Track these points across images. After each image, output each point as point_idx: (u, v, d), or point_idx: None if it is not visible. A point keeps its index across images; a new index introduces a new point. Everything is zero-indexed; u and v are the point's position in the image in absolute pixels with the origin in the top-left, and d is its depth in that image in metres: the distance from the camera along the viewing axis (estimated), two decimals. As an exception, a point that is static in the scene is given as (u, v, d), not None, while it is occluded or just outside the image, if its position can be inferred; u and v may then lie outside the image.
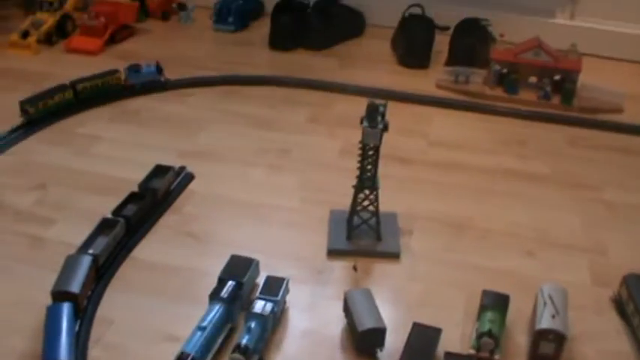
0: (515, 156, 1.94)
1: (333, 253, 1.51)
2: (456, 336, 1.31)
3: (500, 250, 1.56)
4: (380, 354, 1.25)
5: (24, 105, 1.95)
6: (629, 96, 2.24)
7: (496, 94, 2.25)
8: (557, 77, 2.22)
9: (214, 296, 1.28)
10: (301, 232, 1.59)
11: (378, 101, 1.43)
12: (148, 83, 2.20)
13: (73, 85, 2.06)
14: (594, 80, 2.28)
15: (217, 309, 1.25)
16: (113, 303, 1.35)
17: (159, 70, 2.21)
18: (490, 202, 1.73)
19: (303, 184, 1.76)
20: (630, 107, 2.22)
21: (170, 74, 2.24)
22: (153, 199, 1.60)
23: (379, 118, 1.41)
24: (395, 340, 1.25)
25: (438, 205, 1.70)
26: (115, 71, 2.16)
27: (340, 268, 1.48)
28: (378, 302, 1.29)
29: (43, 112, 1.99)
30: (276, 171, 1.81)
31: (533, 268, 1.51)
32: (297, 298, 1.37)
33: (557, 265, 1.52)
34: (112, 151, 1.86)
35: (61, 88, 2.05)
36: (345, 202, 1.54)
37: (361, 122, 1.40)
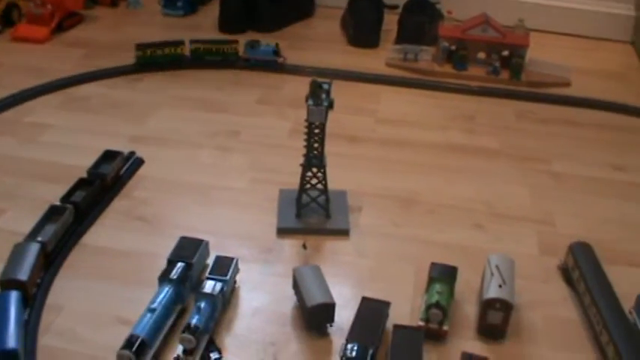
0: (464, 131, 1.96)
1: (282, 231, 1.52)
2: (406, 309, 1.32)
3: (449, 224, 1.58)
4: (330, 329, 1.26)
5: (137, 49, 2.19)
6: (575, 70, 2.29)
7: (445, 71, 2.27)
8: (505, 53, 2.24)
9: (164, 278, 1.28)
10: (251, 212, 1.59)
11: (322, 80, 1.43)
12: (264, 61, 2.24)
13: (189, 42, 2.23)
14: (542, 55, 2.32)
15: (167, 290, 1.25)
16: (63, 289, 1.34)
17: (276, 51, 2.24)
18: (439, 177, 1.74)
19: (253, 165, 1.76)
20: (577, 81, 2.26)
21: (120, 60, 2.23)
22: (102, 184, 1.59)
23: (324, 96, 1.41)
24: (345, 316, 1.26)
25: (387, 181, 1.71)
26: (234, 41, 2.24)
27: (290, 246, 1.48)
28: (328, 279, 1.30)
29: (149, 59, 2.19)
30: (225, 153, 1.81)
31: (482, 241, 1.53)
32: (247, 277, 1.37)
33: (506, 237, 1.55)
34: (60, 139, 1.84)
35: (176, 43, 2.22)
36: (294, 182, 1.54)
37: (306, 101, 1.41)
